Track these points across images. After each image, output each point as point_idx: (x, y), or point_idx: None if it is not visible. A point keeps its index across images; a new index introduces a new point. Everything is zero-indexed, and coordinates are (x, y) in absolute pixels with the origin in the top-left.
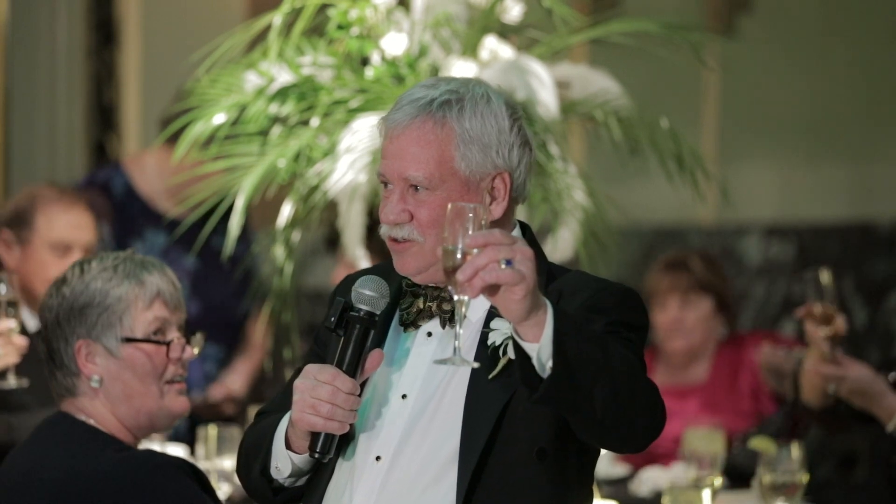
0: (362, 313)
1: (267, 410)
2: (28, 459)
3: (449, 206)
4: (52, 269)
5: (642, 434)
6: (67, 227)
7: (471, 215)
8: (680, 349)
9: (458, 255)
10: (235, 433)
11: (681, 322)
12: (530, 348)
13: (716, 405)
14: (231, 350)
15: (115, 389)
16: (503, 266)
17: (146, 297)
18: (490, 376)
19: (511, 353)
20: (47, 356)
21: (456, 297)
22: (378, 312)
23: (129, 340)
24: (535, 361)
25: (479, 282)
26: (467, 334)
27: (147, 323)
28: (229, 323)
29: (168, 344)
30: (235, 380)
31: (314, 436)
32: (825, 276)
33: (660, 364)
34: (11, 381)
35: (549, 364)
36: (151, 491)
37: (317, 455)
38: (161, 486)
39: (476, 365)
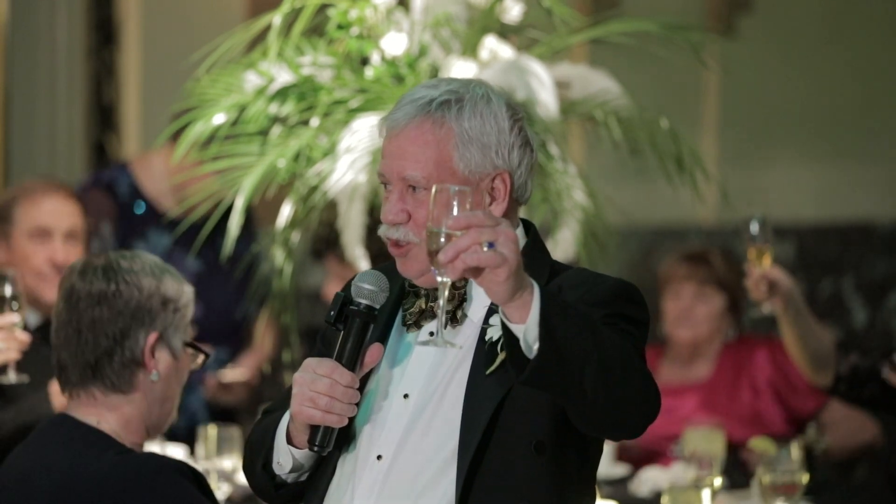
0: (361, 307)
1: (273, 408)
2: (29, 460)
3: (434, 187)
4: (35, 258)
5: (636, 419)
6: (44, 213)
7: (455, 197)
8: (685, 339)
9: (442, 238)
10: (235, 433)
11: (691, 312)
12: (517, 329)
13: (714, 405)
14: (234, 353)
15: (159, 390)
16: (485, 248)
17: (192, 305)
18: (488, 372)
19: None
20: (114, 340)
21: (439, 279)
22: (377, 307)
23: (187, 345)
24: (522, 343)
25: (461, 264)
26: (468, 332)
27: (191, 330)
28: (232, 326)
29: (206, 354)
30: (244, 372)
31: (313, 429)
32: (755, 224)
33: (665, 359)
34: (11, 377)
35: (536, 346)
36: (151, 493)
37: (315, 449)
38: (161, 489)
39: (459, 346)
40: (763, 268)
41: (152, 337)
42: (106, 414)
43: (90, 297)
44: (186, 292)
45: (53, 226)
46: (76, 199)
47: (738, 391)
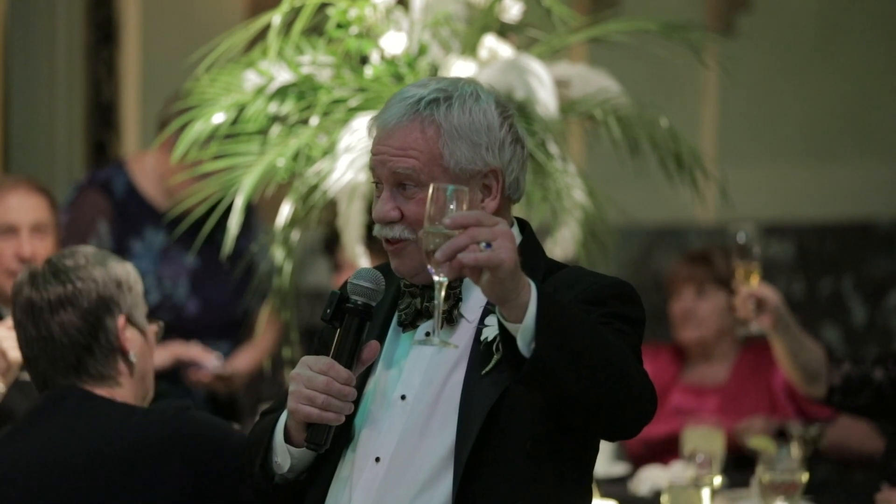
0: (358, 304)
1: (271, 409)
2: (44, 438)
3: (430, 187)
4: (2, 255)
5: (631, 419)
6: (8, 209)
7: (452, 197)
8: (691, 340)
9: (438, 237)
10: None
11: (693, 312)
12: (513, 329)
13: (731, 408)
14: (233, 349)
15: (139, 368)
16: (483, 248)
17: (140, 280)
18: (483, 372)
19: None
20: (89, 335)
21: (435, 279)
22: (374, 304)
23: (150, 318)
24: (518, 342)
25: (457, 263)
26: (464, 332)
27: (145, 305)
28: (230, 322)
29: (160, 325)
30: (240, 362)
31: (310, 427)
32: (742, 236)
33: (685, 362)
34: None
35: (533, 345)
36: (195, 434)
37: (313, 447)
38: (200, 425)
39: (455, 346)
40: (751, 286)
41: (121, 320)
42: (116, 394)
43: (51, 304)
44: (131, 271)
45: (18, 221)
46: (42, 192)
47: (755, 397)
